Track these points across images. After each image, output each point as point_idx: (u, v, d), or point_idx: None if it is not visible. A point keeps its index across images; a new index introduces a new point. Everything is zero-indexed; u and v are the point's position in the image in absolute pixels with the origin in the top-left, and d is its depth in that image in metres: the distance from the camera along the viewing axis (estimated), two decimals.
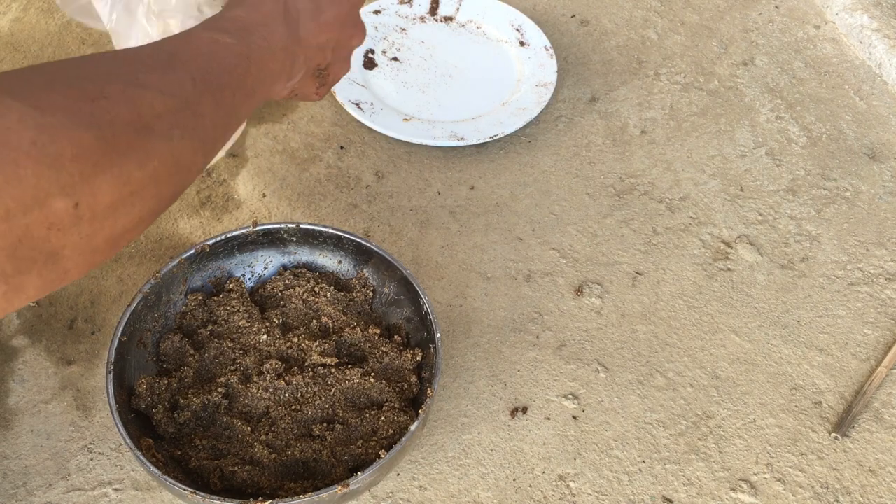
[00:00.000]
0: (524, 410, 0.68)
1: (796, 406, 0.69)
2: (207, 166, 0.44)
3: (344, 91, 0.90)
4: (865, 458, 0.66)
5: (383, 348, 0.64)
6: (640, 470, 0.65)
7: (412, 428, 0.57)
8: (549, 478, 0.64)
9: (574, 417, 0.68)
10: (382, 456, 0.56)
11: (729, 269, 0.79)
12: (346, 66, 0.62)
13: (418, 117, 0.89)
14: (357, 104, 0.88)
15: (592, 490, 0.64)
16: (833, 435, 0.68)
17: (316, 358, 0.63)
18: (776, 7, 1.07)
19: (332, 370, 0.63)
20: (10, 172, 0.31)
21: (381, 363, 0.64)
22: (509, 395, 0.69)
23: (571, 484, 0.64)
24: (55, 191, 0.33)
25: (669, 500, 0.64)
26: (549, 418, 0.68)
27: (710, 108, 0.94)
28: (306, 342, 0.64)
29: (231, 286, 0.67)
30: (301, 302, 0.67)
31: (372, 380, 0.62)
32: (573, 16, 1.05)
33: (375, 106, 0.89)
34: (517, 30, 0.99)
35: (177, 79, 0.41)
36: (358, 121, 0.88)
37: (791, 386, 0.71)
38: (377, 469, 0.55)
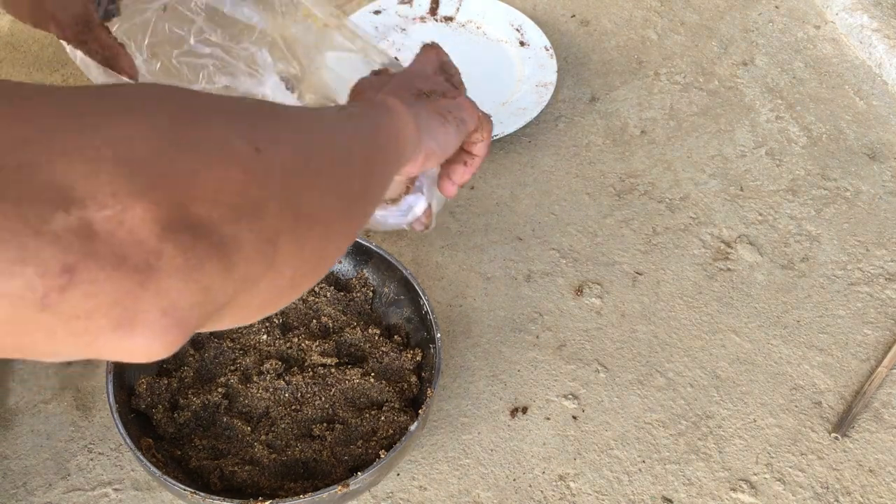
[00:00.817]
0: (524, 410, 0.68)
1: (796, 406, 0.69)
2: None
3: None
4: (865, 458, 0.66)
5: (383, 348, 0.64)
6: (640, 470, 0.65)
7: (412, 428, 0.57)
8: (549, 478, 0.64)
9: (574, 417, 0.68)
10: (382, 456, 0.56)
11: (729, 269, 0.79)
12: (470, 110, 0.54)
13: None
14: None
15: (592, 490, 0.64)
16: (833, 435, 0.68)
17: (316, 358, 0.63)
18: (776, 7, 1.07)
19: (332, 370, 0.63)
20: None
21: (380, 363, 0.64)
22: (509, 395, 0.69)
23: (571, 484, 0.64)
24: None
25: (669, 500, 0.64)
26: (549, 418, 0.68)
27: (710, 108, 0.94)
28: (306, 342, 0.64)
29: None
30: (301, 302, 0.67)
31: (372, 380, 0.62)
32: (573, 16, 1.05)
33: None
34: (517, 30, 0.99)
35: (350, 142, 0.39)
36: None
37: (791, 386, 0.71)
38: (377, 469, 0.55)
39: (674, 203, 0.84)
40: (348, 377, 0.62)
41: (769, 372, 0.71)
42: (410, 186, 0.58)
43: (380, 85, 0.55)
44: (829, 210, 0.84)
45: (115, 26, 0.62)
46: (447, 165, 0.54)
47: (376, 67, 0.63)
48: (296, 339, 0.65)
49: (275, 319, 0.66)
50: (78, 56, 0.58)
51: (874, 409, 0.69)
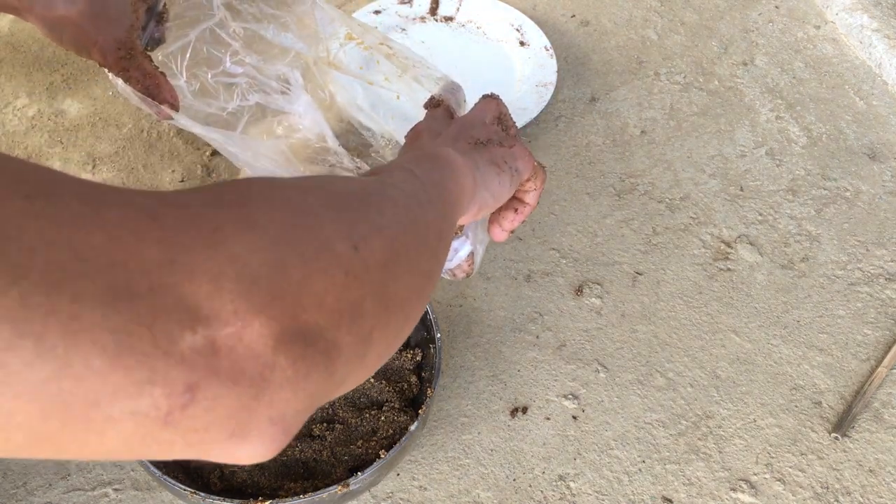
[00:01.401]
0: (524, 410, 0.68)
1: (796, 406, 0.69)
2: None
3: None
4: (865, 458, 0.66)
5: None
6: (640, 470, 0.65)
7: (412, 428, 0.57)
8: (549, 478, 0.64)
9: (574, 417, 0.68)
10: (382, 456, 0.56)
11: (729, 269, 0.79)
12: (526, 159, 0.53)
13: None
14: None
15: (592, 490, 0.64)
16: (833, 435, 0.68)
17: None
18: (776, 7, 1.07)
19: None
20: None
21: None
22: (509, 395, 0.69)
23: (571, 484, 0.64)
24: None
25: (669, 500, 0.64)
26: (549, 418, 0.68)
27: (710, 108, 0.94)
28: None
29: None
30: None
31: (371, 380, 0.62)
32: (573, 16, 1.05)
33: None
34: (517, 30, 0.99)
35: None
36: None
37: (791, 386, 0.71)
38: (377, 469, 0.55)
39: (674, 203, 0.84)
40: None
41: (769, 372, 0.71)
42: (458, 231, 0.58)
43: (437, 129, 0.55)
44: (829, 210, 0.84)
45: (156, 51, 0.62)
46: (498, 211, 0.54)
47: (430, 93, 0.62)
48: None
49: None
50: (119, 83, 0.58)
51: (874, 409, 0.69)
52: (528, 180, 0.53)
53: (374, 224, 0.32)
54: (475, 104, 0.58)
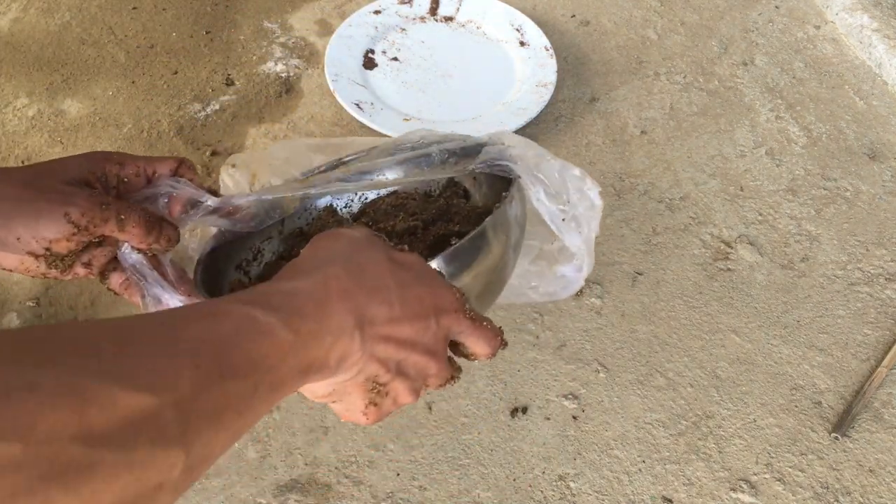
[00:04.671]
0: (524, 410, 0.68)
1: (796, 406, 0.69)
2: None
3: (344, 91, 0.90)
4: (865, 458, 0.66)
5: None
6: (640, 470, 0.65)
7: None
8: (549, 478, 0.64)
9: (574, 417, 0.68)
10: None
11: (729, 269, 0.79)
12: (409, 395, 0.46)
13: (418, 117, 0.89)
14: (357, 104, 0.88)
15: (592, 490, 0.64)
16: (833, 435, 0.68)
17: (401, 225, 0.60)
18: (776, 7, 1.07)
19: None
20: None
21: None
22: (509, 395, 0.69)
23: (571, 484, 0.64)
24: None
25: (669, 500, 0.64)
26: (549, 418, 0.68)
27: (710, 108, 0.94)
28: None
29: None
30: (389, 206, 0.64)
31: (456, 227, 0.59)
32: (573, 16, 1.05)
33: (375, 106, 0.89)
34: (517, 30, 0.99)
35: (166, 365, 0.32)
36: (358, 121, 0.88)
37: (791, 386, 0.71)
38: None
39: (674, 203, 0.84)
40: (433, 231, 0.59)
41: (769, 372, 0.71)
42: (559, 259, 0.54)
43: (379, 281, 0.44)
44: (829, 210, 0.84)
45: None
46: None
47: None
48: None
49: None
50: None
51: (874, 409, 0.69)
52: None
53: (51, 493, 0.27)
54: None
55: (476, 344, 0.48)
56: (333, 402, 0.45)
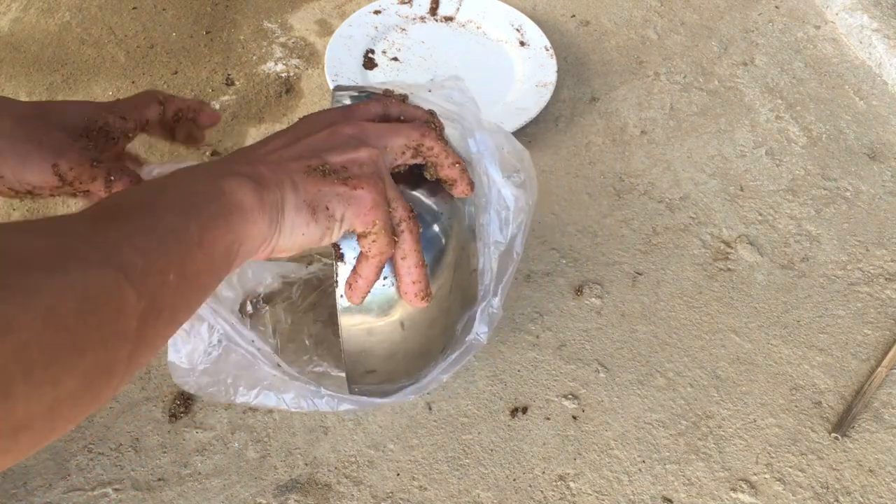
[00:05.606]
0: (524, 410, 0.68)
1: (796, 406, 0.69)
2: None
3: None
4: (865, 458, 0.66)
5: None
6: (640, 470, 0.65)
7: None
8: (549, 478, 0.64)
9: (574, 417, 0.68)
10: None
11: (729, 269, 0.79)
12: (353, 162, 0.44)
13: None
14: None
15: (592, 490, 0.64)
16: (833, 435, 0.68)
17: None
18: (776, 7, 1.07)
19: None
20: None
21: None
22: (509, 395, 0.69)
23: (571, 484, 0.64)
24: None
25: (669, 500, 0.64)
26: (549, 418, 0.68)
27: (710, 108, 0.94)
28: None
29: None
30: None
31: None
32: (573, 16, 1.05)
33: None
34: (517, 30, 0.99)
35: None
36: None
37: (791, 386, 0.71)
38: None
39: (674, 203, 0.84)
40: None
41: (769, 372, 0.71)
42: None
43: (325, 120, 0.45)
44: (829, 210, 0.84)
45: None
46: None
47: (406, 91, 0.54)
48: None
49: None
50: None
51: (874, 409, 0.69)
52: (361, 236, 0.44)
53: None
54: (369, 102, 0.49)
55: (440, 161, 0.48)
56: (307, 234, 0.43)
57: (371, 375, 0.54)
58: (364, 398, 0.56)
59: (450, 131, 0.52)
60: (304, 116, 0.48)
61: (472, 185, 0.50)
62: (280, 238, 0.41)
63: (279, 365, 0.54)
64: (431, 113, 0.51)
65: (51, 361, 0.27)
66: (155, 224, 0.34)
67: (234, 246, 0.38)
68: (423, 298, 0.47)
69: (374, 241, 0.44)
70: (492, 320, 0.56)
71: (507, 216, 0.56)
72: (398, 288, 0.47)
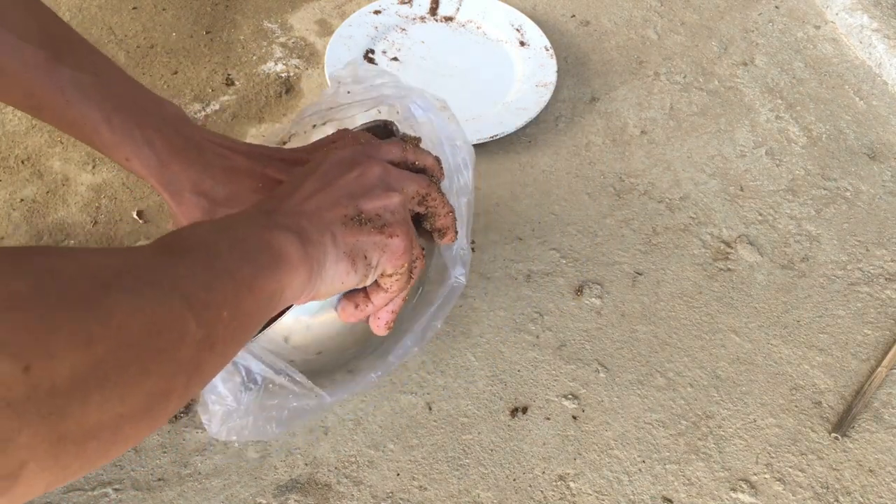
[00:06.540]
0: (524, 410, 0.68)
1: (796, 406, 0.69)
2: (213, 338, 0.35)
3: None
4: (865, 458, 0.66)
5: None
6: (640, 470, 0.65)
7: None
8: (549, 478, 0.64)
9: (574, 417, 0.68)
10: None
11: (729, 269, 0.79)
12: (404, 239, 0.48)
13: None
14: None
15: (592, 490, 0.64)
16: (833, 435, 0.68)
17: None
18: (776, 7, 1.07)
19: None
20: None
21: None
22: (509, 395, 0.69)
23: (571, 484, 0.64)
24: None
25: (669, 500, 0.64)
26: (549, 418, 0.68)
27: (710, 108, 0.94)
28: None
29: None
30: None
31: None
32: (573, 16, 1.05)
33: None
34: (517, 30, 0.99)
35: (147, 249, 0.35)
36: None
37: (791, 386, 0.71)
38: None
39: (674, 203, 0.84)
40: None
41: (769, 372, 0.71)
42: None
43: (330, 175, 0.47)
44: (829, 210, 0.84)
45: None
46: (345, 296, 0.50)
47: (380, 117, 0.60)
48: None
49: None
50: None
51: (874, 409, 0.69)
52: (386, 275, 0.48)
53: (79, 333, 0.28)
54: (391, 144, 0.53)
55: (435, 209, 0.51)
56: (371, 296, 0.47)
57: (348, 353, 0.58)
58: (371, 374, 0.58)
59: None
60: (330, 152, 0.51)
61: (457, 234, 0.55)
62: (321, 285, 0.44)
63: (312, 389, 0.55)
64: (437, 160, 0.54)
65: (121, 377, 0.29)
66: (214, 263, 0.37)
67: (279, 293, 0.41)
68: (389, 329, 0.52)
69: (396, 280, 0.48)
70: (465, 261, 0.60)
71: (465, 159, 0.61)
72: (372, 317, 0.51)
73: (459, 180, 0.60)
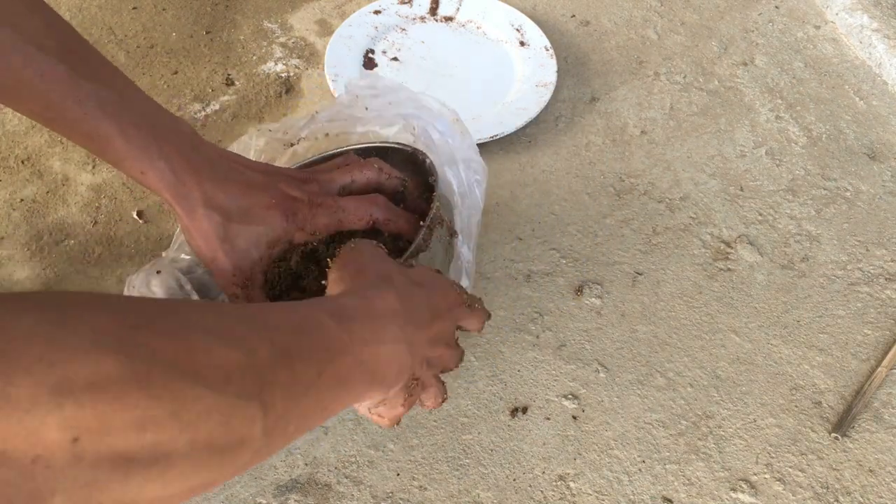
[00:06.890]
0: (524, 410, 0.68)
1: (796, 406, 0.69)
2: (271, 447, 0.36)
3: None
4: (865, 458, 0.66)
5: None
6: (640, 470, 0.65)
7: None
8: (549, 478, 0.64)
9: (574, 417, 0.68)
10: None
11: (729, 269, 0.79)
12: (434, 381, 0.53)
13: None
14: None
15: (592, 490, 0.64)
16: (833, 435, 0.68)
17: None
18: (776, 7, 1.07)
19: None
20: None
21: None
22: (509, 395, 0.69)
23: (571, 484, 0.64)
24: (51, 419, 0.26)
25: (669, 500, 0.64)
26: (549, 418, 0.68)
27: (710, 108, 0.94)
28: None
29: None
30: None
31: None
32: (573, 16, 1.05)
33: None
34: (517, 30, 0.99)
35: (251, 334, 0.35)
36: None
37: (791, 386, 0.71)
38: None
39: (674, 203, 0.84)
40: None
41: (769, 372, 0.71)
42: None
43: (383, 274, 0.49)
44: (829, 210, 0.84)
45: None
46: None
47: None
48: None
49: None
50: None
51: (874, 409, 0.69)
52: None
53: (144, 419, 0.28)
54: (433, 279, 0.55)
55: (472, 324, 0.56)
56: (380, 407, 0.50)
57: None
58: None
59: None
60: (423, 278, 0.53)
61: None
62: (369, 397, 0.46)
63: None
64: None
65: (170, 467, 0.30)
66: (316, 381, 0.38)
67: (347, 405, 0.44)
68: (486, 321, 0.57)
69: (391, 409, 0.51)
70: (469, 273, 0.63)
71: (478, 178, 0.66)
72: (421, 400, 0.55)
73: (471, 198, 0.64)
